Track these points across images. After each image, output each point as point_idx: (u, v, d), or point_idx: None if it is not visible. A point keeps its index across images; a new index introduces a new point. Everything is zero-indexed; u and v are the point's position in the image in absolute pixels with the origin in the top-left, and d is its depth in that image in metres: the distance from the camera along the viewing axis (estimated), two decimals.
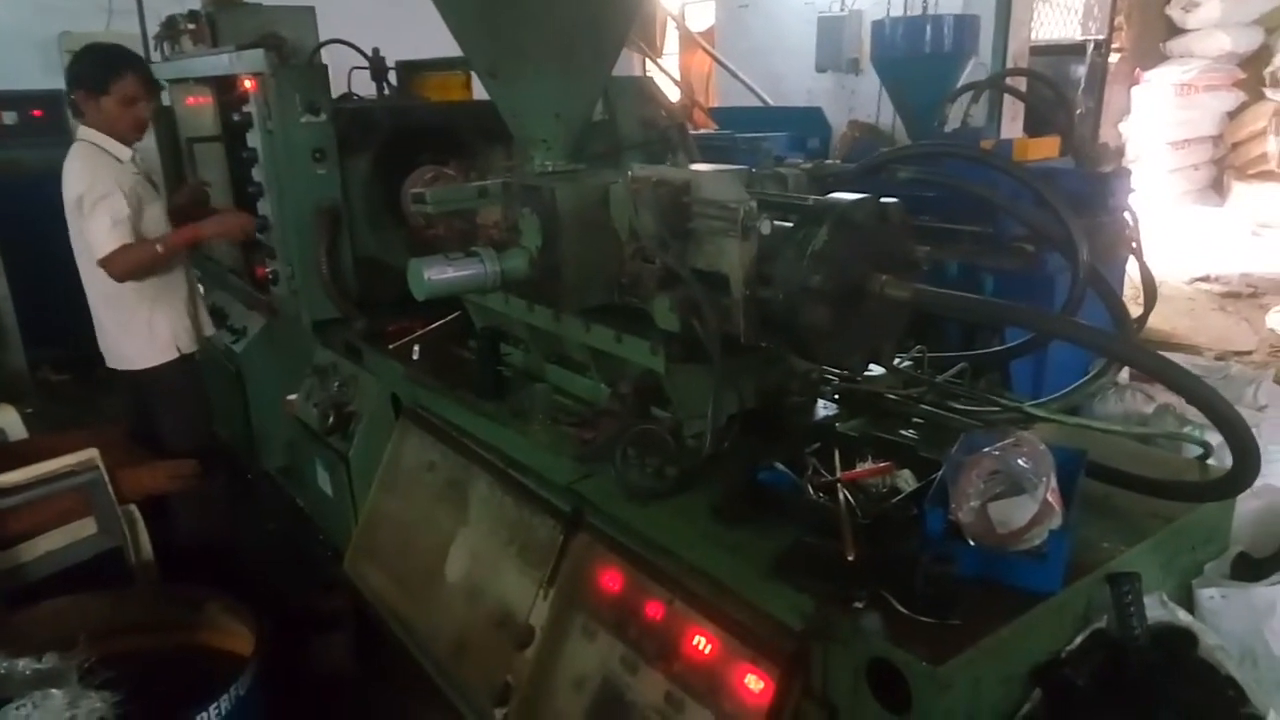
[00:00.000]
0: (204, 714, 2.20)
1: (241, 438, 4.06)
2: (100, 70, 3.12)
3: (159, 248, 3.11)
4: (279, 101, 2.99)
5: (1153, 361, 1.49)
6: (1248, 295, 7.27)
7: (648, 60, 9.13)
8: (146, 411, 3.40)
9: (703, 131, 5.77)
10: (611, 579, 1.82)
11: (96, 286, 3.23)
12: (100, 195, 3.02)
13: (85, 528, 2.89)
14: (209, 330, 3.62)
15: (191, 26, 4.29)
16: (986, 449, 1.49)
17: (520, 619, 1.98)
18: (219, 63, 3.38)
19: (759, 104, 8.01)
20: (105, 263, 3.03)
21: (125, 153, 3.18)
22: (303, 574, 3.30)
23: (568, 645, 1.88)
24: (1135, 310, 2.80)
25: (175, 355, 3.32)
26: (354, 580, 2.61)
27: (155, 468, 3.12)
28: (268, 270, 3.38)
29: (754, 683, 1.49)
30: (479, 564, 2.21)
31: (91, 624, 2.54)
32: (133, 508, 2.99)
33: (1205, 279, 7.64)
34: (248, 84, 3.09)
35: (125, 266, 3.06)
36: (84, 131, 3.16)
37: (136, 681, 2.14)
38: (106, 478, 2.89)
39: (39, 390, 5.80)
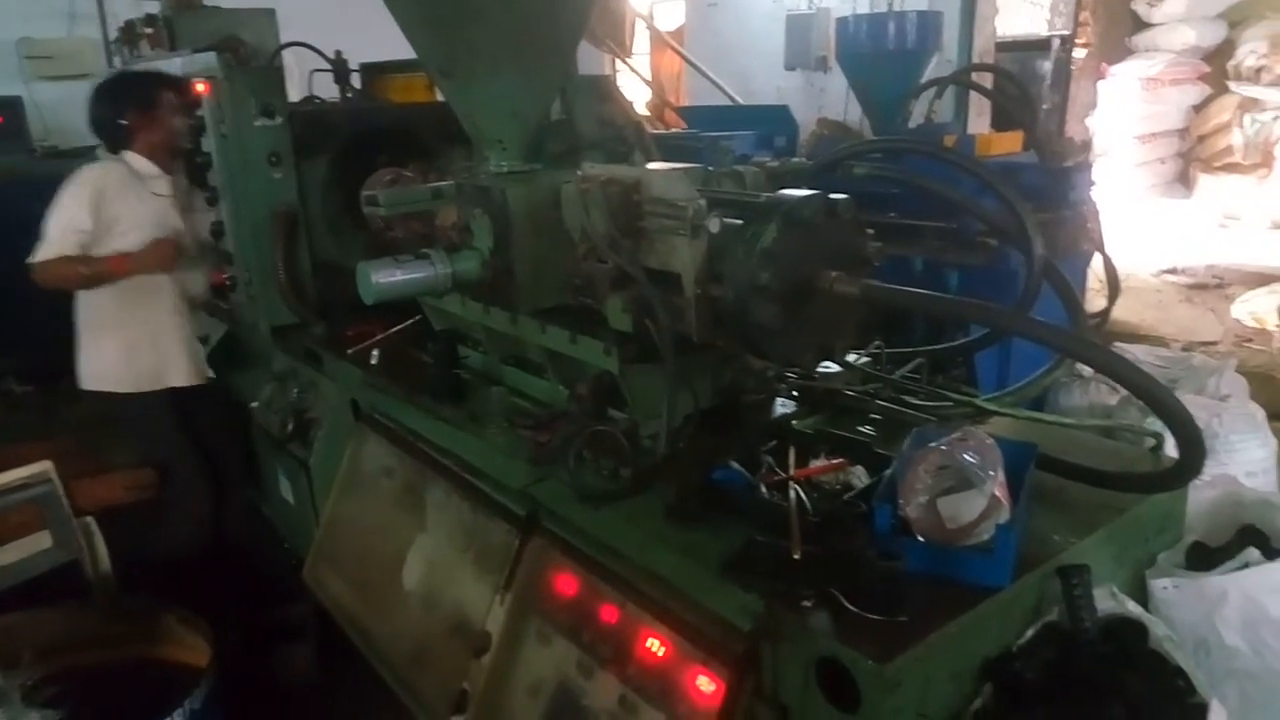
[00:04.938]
0: None
1: None
2: (142, 89, 3.19)
3: (83, 268, 3.05)
4: (232, 105, 2.94)
5: (1096, 354, 1.49)
6: (1214, 286, 7.36)
7: (618, 60, 9.11)
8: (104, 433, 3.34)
9: (666, 131, 5.75)
10: (566, 583, 1.80)
11: (78, 306, 3.22)
12: (74, 196, 3.01)
13: (41, 541, 2.84)
14: (198, 372, 3.42)
15: (149, 31, 4.23)
16: (934, 444, 1.48)
17: (477, 625, 1.95)
18: (171, 66, 3.33)
19: (728, 103, 8.01)
20: (32, 266, 3.00)
21: (154, 173, 3.21)
22: (267, 583, 3.25)
23: (524, 651, 1.85)
24: (1101, 303, 2.81)
25: (138, 388, 3.22)
26: (313, 588, 2.58)
27: (111, 479, 3.08)
28: (225, 276, 3.33)
29: (705, 684, 1.48)
30: (436, 570, 2.18)
31: (44, 639, 2.50)
32: (89, 520, 2.94)
33: (1172, 271, 7.73)
34: (200, 87, 3.04)
35: (46, 276, 3.03)
36: (126, 155, 3.20)
37: (88, 697, 2.10)
38: (61, 490, 2.84)
39: (1, 402, 5.69)
